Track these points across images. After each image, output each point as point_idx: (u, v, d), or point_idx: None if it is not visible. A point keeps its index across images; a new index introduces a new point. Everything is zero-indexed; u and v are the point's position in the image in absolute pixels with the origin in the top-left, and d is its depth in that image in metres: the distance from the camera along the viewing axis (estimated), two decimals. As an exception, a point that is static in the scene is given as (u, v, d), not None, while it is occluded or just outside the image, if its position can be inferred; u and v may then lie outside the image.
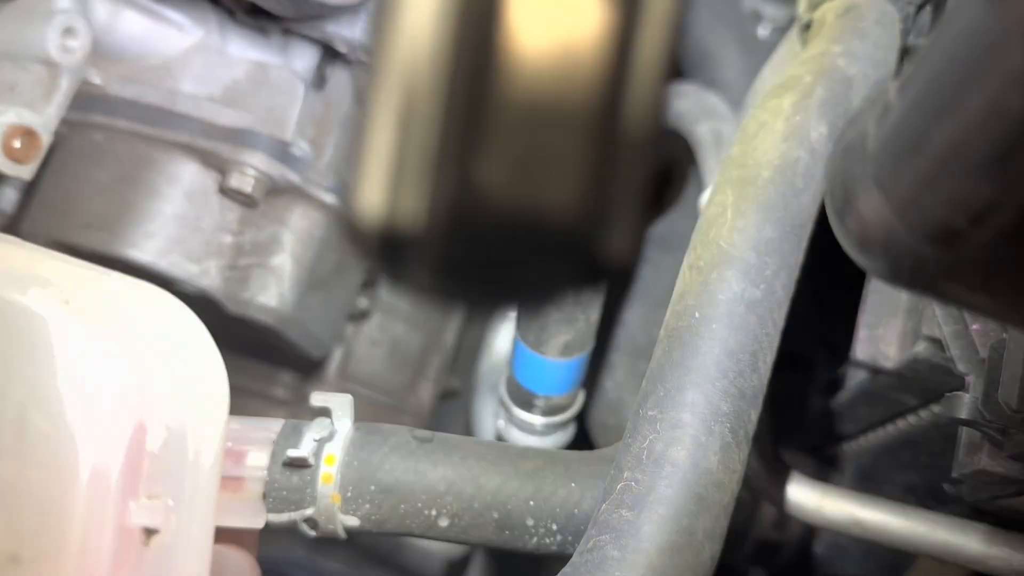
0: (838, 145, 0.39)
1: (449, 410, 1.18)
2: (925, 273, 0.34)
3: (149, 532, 0.47)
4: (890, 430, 0.85)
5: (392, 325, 1.06)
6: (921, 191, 0.31)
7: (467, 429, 1.13)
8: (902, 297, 0.75)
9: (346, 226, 0.27)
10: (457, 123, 0.26)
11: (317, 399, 0.68)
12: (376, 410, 1.04)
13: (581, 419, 0.94)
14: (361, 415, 0.68)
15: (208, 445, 0.49)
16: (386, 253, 0.27)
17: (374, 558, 1.07)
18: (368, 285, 1.02)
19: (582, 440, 0.94)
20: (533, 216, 0.26)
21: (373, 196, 0.26)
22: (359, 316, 1.03)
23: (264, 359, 1.00)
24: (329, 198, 0.88)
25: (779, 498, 0.79)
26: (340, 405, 0.67)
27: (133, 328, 0.48)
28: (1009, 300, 0.35)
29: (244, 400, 1.00)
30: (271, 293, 0.86)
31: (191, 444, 0.49)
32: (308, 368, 1.02)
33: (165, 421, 0.48)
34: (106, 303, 0.48)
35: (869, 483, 0.91)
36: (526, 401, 0.87)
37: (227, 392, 0.51)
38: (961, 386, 0.62)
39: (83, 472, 0.44)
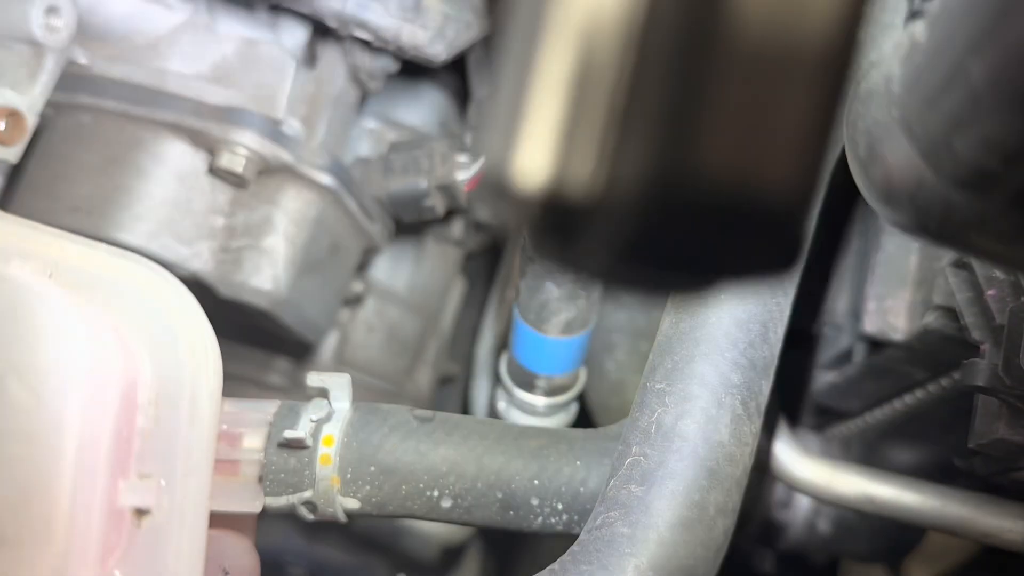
0: (857, 92, 0.37)
1: (448, 395, 1.16)
2: (954, 223, 0.33)
3: (141, 512, 0.45)
4: (897, 405, 0.83)
5: (388, 310, 1.04)
6: (953, 132, 0.30)
7: (466, 414, 1.11)
8: (911, 268, 0.73)
9: (496, 190, 0.22)
10: (659, 65, 0.20)
11: (314, 379, 0.66)
12: (374, 396, 1.03)
13: (583, 401, 0.93)
14: (358, 401, 0.66)
15: (202, 422, 0.47)
16: (552, 227, 0.22)
17: (372, 544, 1.06)
18: (362, 268, 1.00)
19: (584, 423, 0.93)
20: (751, 185, 0.21)
21: (537, 156, 0.21)
22: (354, 300, 1.01)
23: (258, 345, 0.98)
24: (323, 178, 0.86)
25: (788, 475, 0.78)
26: (338, 385, 0.66)
27: (121, 301, 0.46)
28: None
29: (239, 387, 0.98)
30: (264, 275, 0.84)
31: (183, 421, 0.47)
32: (303, 354, 1.00)
33: (156, 397, 0.46)
34: (93, 275, 0.46)
35: (875, 460, 0.90)
36: (527, 381, 0.85)
37: (220, 367, 0.49)
38: (971, 356, 0.60)
39: (69, 448, 0.42)
